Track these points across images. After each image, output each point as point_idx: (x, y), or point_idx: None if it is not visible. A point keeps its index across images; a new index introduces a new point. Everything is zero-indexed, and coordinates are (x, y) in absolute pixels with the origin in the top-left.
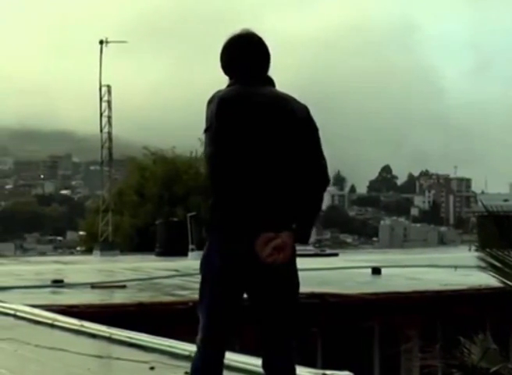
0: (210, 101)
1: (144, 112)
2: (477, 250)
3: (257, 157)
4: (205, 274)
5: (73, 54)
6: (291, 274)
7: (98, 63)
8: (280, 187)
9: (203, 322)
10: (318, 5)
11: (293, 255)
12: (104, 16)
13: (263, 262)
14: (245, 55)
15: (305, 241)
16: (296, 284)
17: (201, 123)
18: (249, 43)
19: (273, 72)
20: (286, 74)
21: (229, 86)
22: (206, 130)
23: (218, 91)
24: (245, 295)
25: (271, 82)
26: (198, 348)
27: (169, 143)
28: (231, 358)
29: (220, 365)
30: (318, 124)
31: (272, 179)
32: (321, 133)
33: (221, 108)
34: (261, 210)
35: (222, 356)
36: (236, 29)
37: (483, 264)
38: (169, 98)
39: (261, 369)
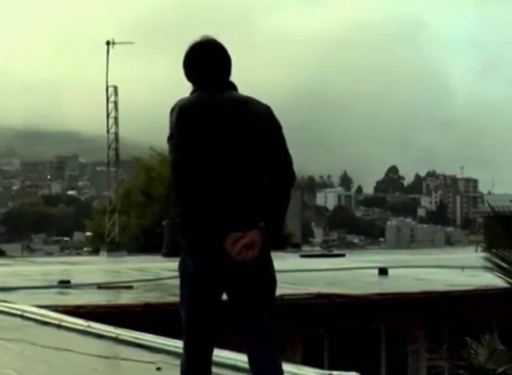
0: (172, 110)
1: (150, 112)
2: (483, 251)
3: (219, 161)
4: (182, 278)
5: (79, 54)
6: (266, 271)
7: (103, 64)
8: (245, 188)
9: (184, 325)
10: (325, 4)
11: (267, 252)
12: (111, 16)
13: (234, 260)
14: (205, 62)
15: (275, 237)
16: (273, 281)
17: None
18: (209, 50)
19: (281, 70)
20: (293, 72)
21: (192, 93)
22: (169, 139)
23: (180, 100)
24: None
25: (232, 86)
26: (184, 350)
27: None
28: (238, 358)
29: (207, 365)
30: (325, 124)
31: (236, 181)
32: (285, 132)
33: (181, 117)
34: (227, 212)
35: (209, 357)
36: (200, 37)
37: (489, 265)
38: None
39: None
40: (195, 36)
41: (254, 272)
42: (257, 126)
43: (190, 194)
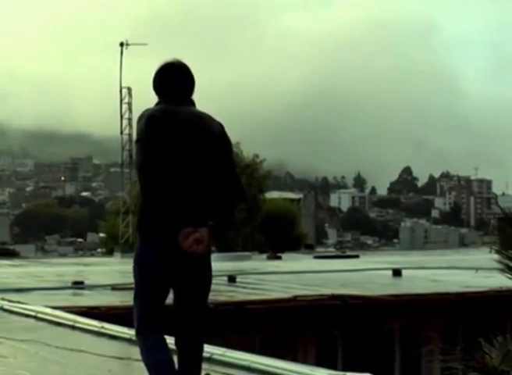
0: (140, 117)
1: None
2: (495, 252)
3: (178, 166)
4: (139, 269)
5: (91, 55)
6: (209, 265)
7: (116, 65)
8: (197, 192)
9: (138, 313)
10: (337, 4)
11: (209, 248)
12: (124, 17)
13: (185, 251)
14: (171, 80)
15: (222, 237)
16: (210, 278)
17: (226, 127)
18: (175, 70)
19: (292, 70)
20: (305, 73)
21: (157, 104)
22: (136, 142)
23: (147, 110)
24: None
25: (192, 103)
26: (138, 340)
27: None
28: (252, 359)
29: (165, 346)
30: (336, 124)
31: (191, 185)
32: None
33: (149, 124)
34: (182, 210)
35: (164, 340)
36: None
37: (501, 266)
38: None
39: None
40: (208, 36)
41: (200, 265)
42: (211, 138)
43: (153, 192)
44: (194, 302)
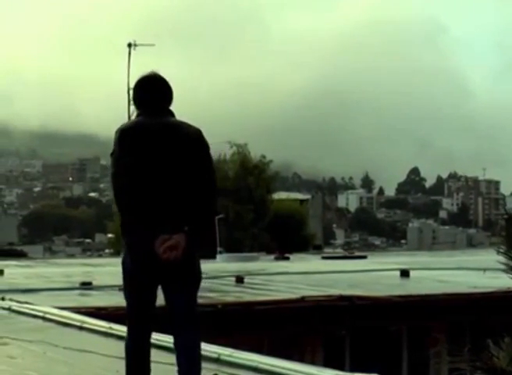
0: (116, 132)
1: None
2: (499, 252)
3: (151, 175)
4: (123, 272)
5: (97, 56)
6: (190, 268)
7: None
8: (171, 199)
9: (127, 311)
10: (342, 5)
11: (192, 252)
12: (129, 18)
13: (161, 258)
14: (145, 94)
15: (200, 242)
16: (197, 277)
17: (229, 126)
18: (149, 85)
19: (298, 71)
20: (310, 73)
21: (137, 116)
22: (111, 155)
23: (123, 124)
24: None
25: (171, 113)
26: (127, 333)
27: None
28: (259, 360)
29: (146, 345)
30: (342, 124)
31: (164, 192)
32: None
33: (120, 138)
34: (157, 218)
35: (148, 338)
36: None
37: (504, 267)
38: (195, 101)
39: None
40: (213, 38)
41: (178, 269)
42: (186, 144)
43: (128, 202)
44: (181, 301)
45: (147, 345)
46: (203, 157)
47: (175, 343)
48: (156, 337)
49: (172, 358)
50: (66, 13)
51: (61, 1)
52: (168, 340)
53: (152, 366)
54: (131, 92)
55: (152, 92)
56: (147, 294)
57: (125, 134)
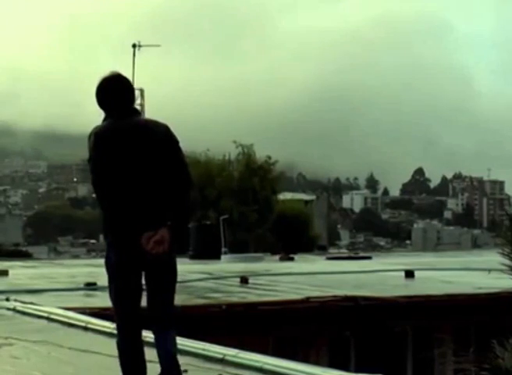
0: (89, 136)
1: (176, 115)
2: (504, 254)
3: (128, 176)
4: (107, 271)
5: (100, 55)
6: (170, 265)
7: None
8: (151, 195)
9: (114, 310)
10: (348, 1)
11: (173, 247)
12: (132, 17)
13: (148, 254)
14: (111, 94)
15: (182, 234)
16: (175, 271)
17: (233, 125)
18: (113, 84)
19: (302, 69)
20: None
21: (104, 120)
22: (88, 160)
23: (95, 128)
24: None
25: (136, 112)
26: (117, 332)
27: (202, 146)
28: (264, 361)
29: (138, 341)
30: (347, 123)
31: (143, 190)
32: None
33: (95, 143)
34: (139, 216)
35: (139, 335)
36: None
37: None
38: (199, 99)
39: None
40: (215, 34)
41: (161, 262)
42: (157, 142)
43: (110, 204)
44: (161, 291)
45: (139, 342)
46: (174, 151)
47: (152, 322)
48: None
49: (178, 358)
50: (71, 12)
51: (68, 2)
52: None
53: (156, 366)
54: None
55: (114, 94)
56: (132, 286)
57: (99, 138)
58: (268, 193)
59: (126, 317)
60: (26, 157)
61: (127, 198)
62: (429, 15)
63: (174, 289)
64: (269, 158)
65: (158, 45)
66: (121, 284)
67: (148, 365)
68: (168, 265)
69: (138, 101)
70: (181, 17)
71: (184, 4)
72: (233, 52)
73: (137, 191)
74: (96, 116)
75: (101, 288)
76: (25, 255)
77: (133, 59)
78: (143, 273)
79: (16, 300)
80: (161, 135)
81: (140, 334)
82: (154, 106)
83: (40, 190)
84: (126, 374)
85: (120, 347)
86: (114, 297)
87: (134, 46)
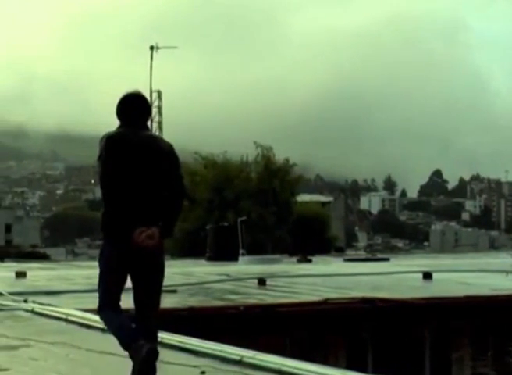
0: (102, 138)
1: (194, 117)
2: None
3: (131, 179)
4: (99, 263)
5: (116, 57)
6: (161, 260)
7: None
8: (148, 199)
9: (100, 295)
10: (363, 1)
11: (162, 245)
12: (150, 21)
13: (139, 245)
14: (128, 109)
15: (169, 234)
16: (163, 267)
17: (251, 128)
18: (132, 102)
19: (316, 69)
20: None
21: (118, 128)
22: (98, 159)
23: (108, 132)
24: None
25: (146, 128)
26: (101, 317)
27: (220, 148)
28: (282, 362)
29: (122, 314)
30: (363, 123)
31: (142, 194)
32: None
33: (108, 144)
34: (136, 214)
35: (120, 312)
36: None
37: None
38: (214, 102)
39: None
40: (227, 35)
41: (151, 259)
42: (161, 156)
43: (113, 200)
44: (149, 288)
45: (121, 309)
46: (174, 167)
47: (137, 308)
48: (177, 339)
49: (194, 359)
50: (84, 12)
51: (79, 1)
52: (189, 342)
53: (174, 367)
54: (154, 94)
55: (136, 109)
56: (120, 279)
57: (112, 141)
58: (287, 195)
59: (110, 291)
60: (43, 159)
61: (129, 198)
62: (443, 14)
63: (161, 286)
64: (288, 160)
65: (175, 47)
66: (109, 274)
67: None
68: (157, 263)
69: (156, 103)
70: (194, 19)
71: (197, 6)
72: (247, 53)
73: (139, 194)
74: (106, 117)
75: None
76: (42, 257)
77: (151, 61)
78: (129, 271)
79: (33, 301)
80: (166, 151)
81: (119, 305)
82: (170, 108)
83: (58, 191)
84: (123, 333)
85: (108, 314)
86: (103, 283)
87: (152, 48)
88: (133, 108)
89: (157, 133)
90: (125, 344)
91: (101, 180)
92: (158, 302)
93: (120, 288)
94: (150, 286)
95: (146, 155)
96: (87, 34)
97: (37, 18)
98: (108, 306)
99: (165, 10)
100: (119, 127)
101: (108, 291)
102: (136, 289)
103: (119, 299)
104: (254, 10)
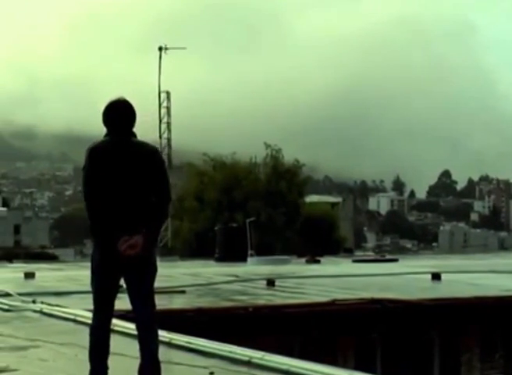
0: (87, 150)
1: (202, 118)
2: None
3: (116, 187)
4: (91, 267)
5: (124, 57)
6: (148, 262)
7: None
8: (133, 206)
9: (93, 297)
10: (367, 1)
11: (151, 249)
12: (158, 22)
13: (123, 255)
14: (113, 117)
15: (154, 240)
16: (153, 268)
17: (262, 130)
18: (117, 109)
19: (323, 69)
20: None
21: (105, 136)
22: (82, 169)
23: (93, 143)
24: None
25: (133, 134)
26: (93, 316)
27: (229, 149)
28: (290, 363)
29: (108, 326)
30: (370, 124)
31: (127, 201)
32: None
33: (90, 156)
34: (121, 222)
35: (109, 321)
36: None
37: None
38: (221, 102)
39: None
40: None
41: (138, 262)
42: (147, 161)
43: (97, 209)
44: (140, 288)
45: (109, 327)
46: (159, 171)
47: (136, 321)
48: (186, 340)
49: (203, 360)
50: (93, 14)
51: (88, 4)
52: (198, 343)
53: (183, 368)
54: (162, 95)
55: (121, 116)
56: (110, 281)
57: (94, 153)
58: (296, 196)
59: (102, 306)
60: (52, 160)
61: (113, 206)
62: (452, 16)
63: (152, 287)
64: (297, 162)
65: (184, 48)
66: (101, 279)
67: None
68: (146, 266)
69: (164, 103)
70: (202, 20)
71: (205, 7)
72: (255, 54)
73: (122, 201)
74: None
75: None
76: (51, 258)
77: (159, 62)
78: (121, 275)
79: (42, 302)
80: (151, 156)
81: (111, 321)
82: (179, 108)
83: (67, 192)
84: (94, 352)
85: (94, 330)
86: (94, 289)
87: (160, 49)
88: (118, 115)
89: (165, 135)
90: (90, 362)
91: (84, 191)
92: (151, 305)
93: (112, 293)
94: (139, 289)
95: (130, 163)
96: (96, 36)
97: (46, 20)
98: (98, 319)
99: (173, 12)
100: (105, 135)
101: (98, 293)
102: (128, 291)
103: (110, 301)
104: (262, 12)
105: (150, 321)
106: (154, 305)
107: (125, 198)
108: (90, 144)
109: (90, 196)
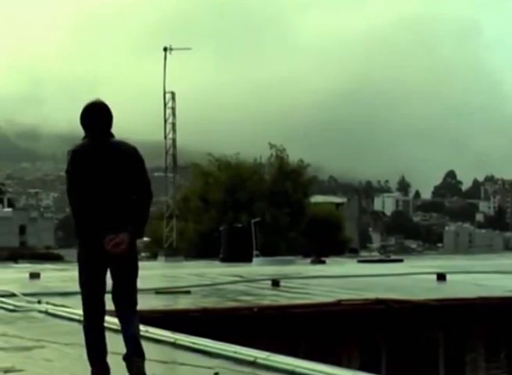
0: (69, 152)
1: (207, 118)
2: None
3: (99, 187)
4: (78, 265)
5: (129, 58)
6: (132, 259)
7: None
8: (117, 205)
9: (82, 297)
10: (371, 2)
11: (134, 246)
12: (163, 23)
13: (109, 252)
14: (90, 119)
15: (140, 237)
16: (136, 265)
17: (267, 130)
18: (94, 111)
19: (326, 70)
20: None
21: (83, 139)
22: (66, 172)
23: (75, 145)
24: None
25: (111, 135)
26: (84, 317)
27: (234, 149)
28: (295, 364)
29: (102, 325)
30: (375, 125)
31: (110, 200)
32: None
33: (72, 158)
34: (105, 222)
35: (102, 319)
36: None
37: None
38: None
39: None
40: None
41: (122, 259)
42: (125, 160)
43: (82, 210)
44: (124, 283)
45: (102, 325)
46: (139, 169)
47: (118, 317)
48: (191, 340)
49: (207, 361)
50: (97, 14)
51: (93, 4)
52: (203, 343)
53: (188, 368)
54: (167, 96)
55: (97, 118)
56: (97, 278)
57: (76, 155)
58: (300, 196)
59: (91, 305)
60: (56, 160)
61: (97, 206)
62: (456, 16)
63: (136, 281)
64: (302, 162)
65: (189, 48)
66: (88, 277)
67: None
68: (130, 262)
69: (169, 104)
70: (207, 21)
71: (209, 8)
72: (260, 54)
73: (105, 200)
74: (119, 118)
75: None
76: (56, 258)
77: (165, 63)
78: (108, 270)
79: (47, 303)
80: (130, 155)
81: (102, 319)
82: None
83: None
84: (91, 352)
85: (86, 330)
86: (83, 288)
87: (165, 49)
88: (94, 118)
89: (170, 136)
90: (90, 362)
91: (68, 193)
92: (133, 294)
93: (100, 290)
94: (123, 283)
95: (111, 163)
96: (101, 36)
97: (50, 20)
98: (89, 317)
99: (177, 12)
100: (84, 138)
101: (88, 296)
102: (112, 287)
103: (99, 299)
104: (266, 12)
105: (130, 306)
106: (135, 294)
107: (108, 197)
108: (72, 146)
109: (76, 197)
